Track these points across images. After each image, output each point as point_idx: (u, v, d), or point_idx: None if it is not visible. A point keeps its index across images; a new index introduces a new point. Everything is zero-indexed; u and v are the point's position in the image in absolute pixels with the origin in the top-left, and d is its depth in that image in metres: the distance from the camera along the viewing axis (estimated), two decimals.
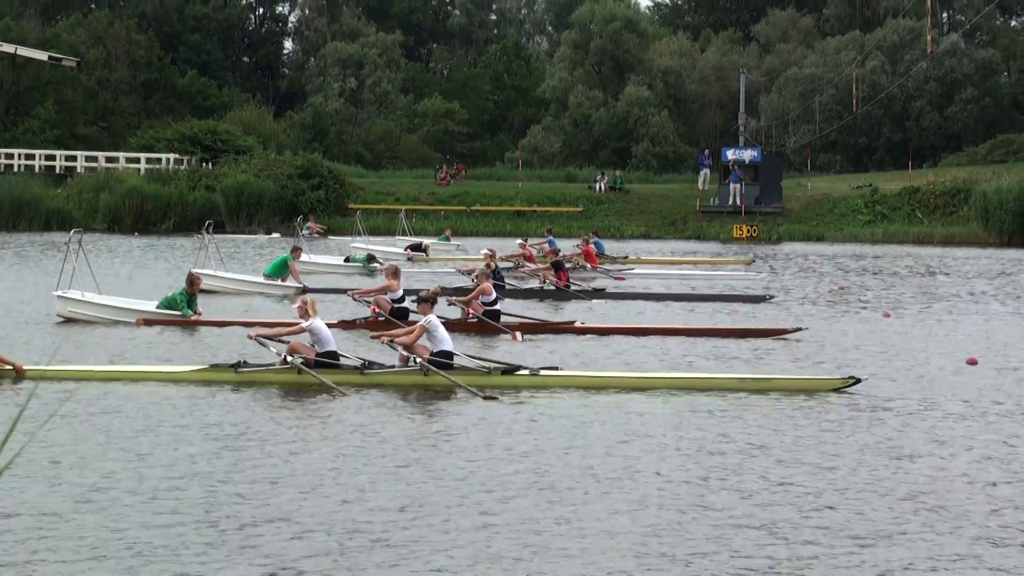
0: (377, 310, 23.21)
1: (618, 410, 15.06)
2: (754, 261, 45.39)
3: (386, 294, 23.56)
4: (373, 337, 18.26)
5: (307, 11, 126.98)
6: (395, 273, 23.84)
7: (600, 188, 75.46)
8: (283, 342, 17.02)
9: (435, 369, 16.58)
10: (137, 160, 77.91)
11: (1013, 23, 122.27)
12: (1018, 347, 21.86)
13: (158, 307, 24.26)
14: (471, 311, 23.16)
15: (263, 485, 11.21)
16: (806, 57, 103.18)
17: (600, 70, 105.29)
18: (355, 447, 12.85)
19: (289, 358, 16.68)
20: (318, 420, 14.47)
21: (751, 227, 67.26)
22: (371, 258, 39.77)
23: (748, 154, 72.60)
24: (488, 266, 28.51)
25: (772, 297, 30.68)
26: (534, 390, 16.26)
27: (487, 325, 22.93)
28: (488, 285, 23.58)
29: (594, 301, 29.92)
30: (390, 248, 48.44)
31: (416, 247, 48.37)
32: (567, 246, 43.62)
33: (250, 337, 17.37)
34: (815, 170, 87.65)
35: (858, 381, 16.48)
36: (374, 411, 14.94)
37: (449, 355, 17.04)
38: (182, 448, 12.69)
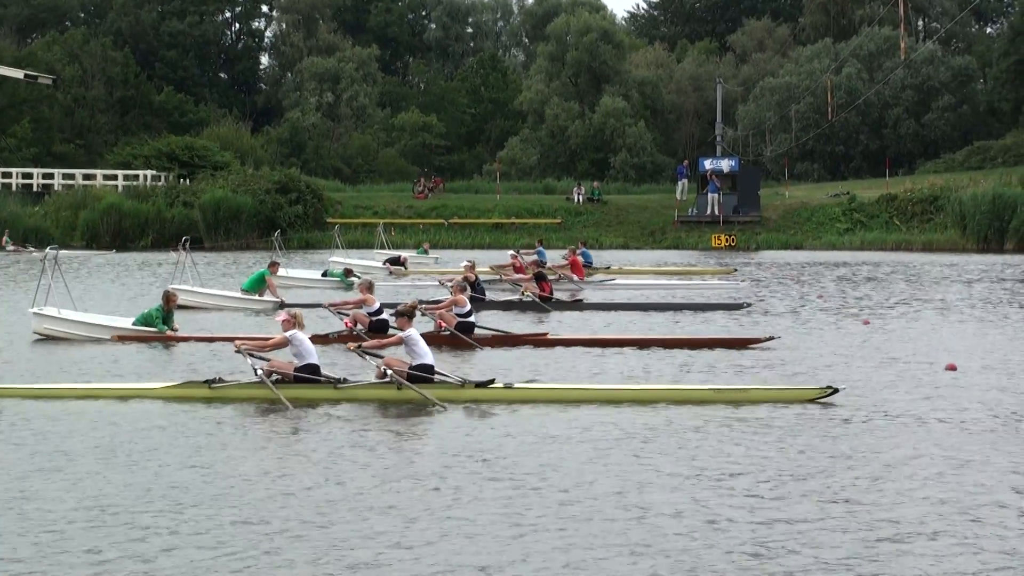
0: (351, 324, 23.10)
1: (591, 423, 14.96)
2: (736, 270, 45.39)
3: (362, 308, 23.53)
4: (348, 348, 18.19)
5: (283, 26, 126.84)
6: (369, 287, 23.92)
7: (578, 199, 75.53)
8: (264, 359, 16.94)
9: (407, 384, 16.50)
10: (115, 177, 77.83)
11: (989, 30, 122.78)
12: (996, 352, 21.86)
13: (134, 324, 24.12)
14: (443, 323, 23.04)
15: (231, 502, 11.12)
16: (782, 66, 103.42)
17: (576, 82, 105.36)
18: (327, 462, 12.77)
19: (259, 371, 16.61)
20: (288, 435, 14.39)
21: (729, 236, 67.36)
22: (348, 272, 39.67)
23: (726, 164, 72.77)
24: (466, 278, 28.43)
25: (748, 305, 30.64)
26: (508, 403, 16.16)
27: (459, 339, 22.80)
28: (463, 297, 23.50)
29: (570, 312, 29.88)
30: (369, 262, 48.37)
31: (395, 261, 48.27)
32: (554, 257, 43.60)
33: (236, 348, 17.30)
34: (793, 179, 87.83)
35: (836, 391, 16.39)
36: (345, 425, 14.85)
37: (429, 368, 16.93)
38: (150, 465, 12.59)
